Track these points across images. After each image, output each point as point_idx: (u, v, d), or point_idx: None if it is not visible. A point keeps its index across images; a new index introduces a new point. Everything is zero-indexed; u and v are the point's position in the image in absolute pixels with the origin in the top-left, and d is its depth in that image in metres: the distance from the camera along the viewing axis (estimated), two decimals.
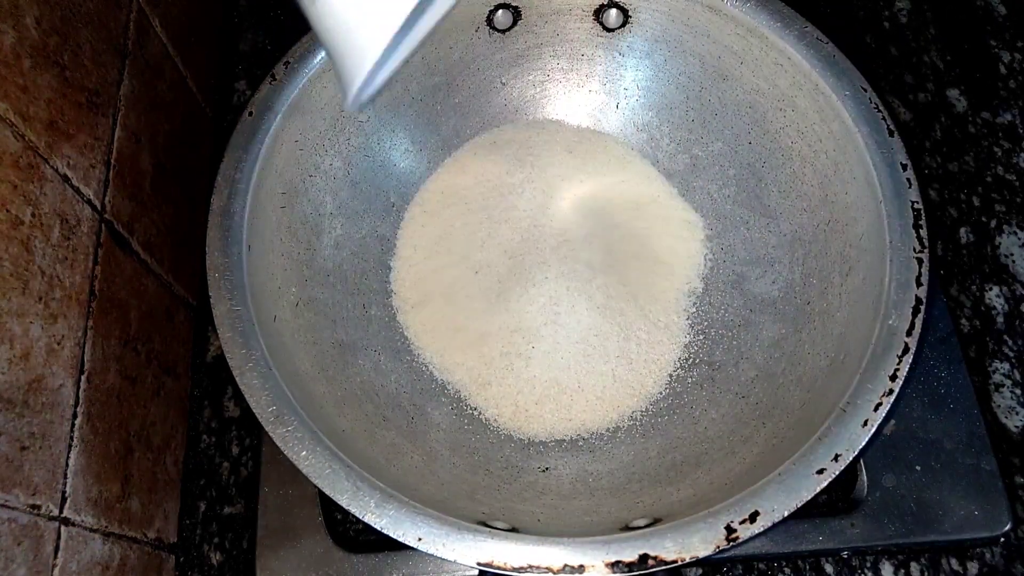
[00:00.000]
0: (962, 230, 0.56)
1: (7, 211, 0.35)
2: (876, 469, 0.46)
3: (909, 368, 0.38)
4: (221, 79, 0.62)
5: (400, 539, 0.35)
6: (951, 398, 0.48)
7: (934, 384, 0.49)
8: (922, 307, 0.39)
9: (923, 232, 0.41)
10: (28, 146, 0.37)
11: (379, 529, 0.36)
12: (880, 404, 0.37)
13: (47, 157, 0.38)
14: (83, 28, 0.42)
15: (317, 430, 0.38)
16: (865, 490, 0.46)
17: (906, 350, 0.38)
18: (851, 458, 0.36)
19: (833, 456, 0.36)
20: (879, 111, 0.44)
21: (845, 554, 0.46)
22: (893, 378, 0.38)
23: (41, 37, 0.38)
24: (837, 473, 0.36)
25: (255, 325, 0.40)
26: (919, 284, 0.40)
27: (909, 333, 0.39)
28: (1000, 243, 0.56)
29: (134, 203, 0.46)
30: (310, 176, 0.48)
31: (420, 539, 0.35)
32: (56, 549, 0.37)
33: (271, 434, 0.37)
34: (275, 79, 0.46)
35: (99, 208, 0.42)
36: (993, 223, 0.56)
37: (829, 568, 0.47)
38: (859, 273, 0.43)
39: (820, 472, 0.36)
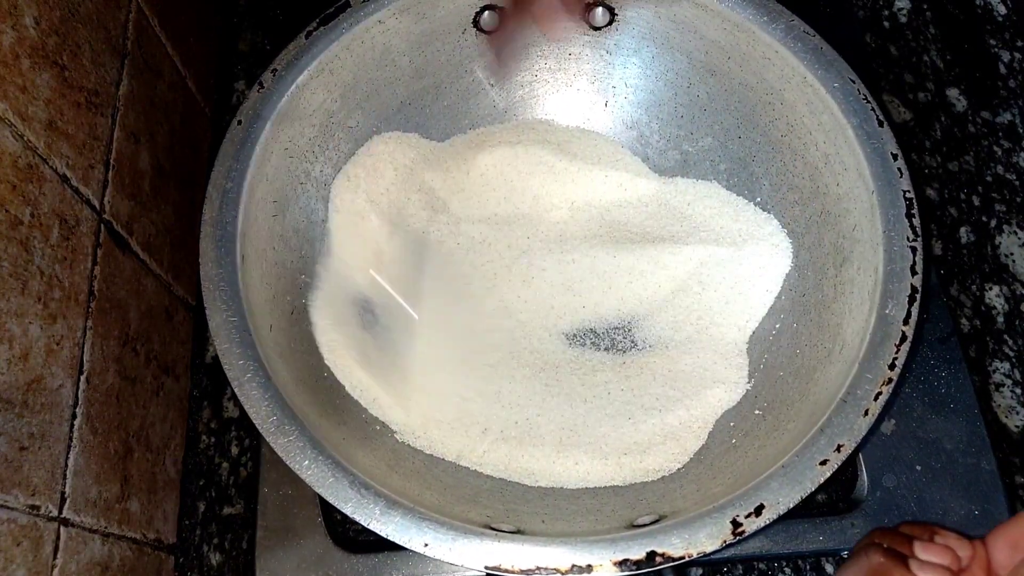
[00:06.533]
0: (962, 230, 0.56)
1: (6, 211, 0.35)
2: (876, 469, 0.46)
3: (906, 362, 0.38)
4: (220, 79, 0.62)
5: (407, 545, 0.35)
6: (951, 398, 0.48)
7: (934, 384, 0.49)
8: (918, 295, 0.39)
9: (916, 221, 0.41)
10: (27, 146, 0.36)
11: (385, 536, 0.36)
12: (880, 393, 0.37)
13: (46, 157, 0.38)
14: (82, 28, 0.42)
15: (318, 439, 0.38)
16: (865, 490, 0.46)
17: (904, 339, 0.38)
18: (853, 448, 0.36)
19: (835, 447, 0.36)
20: (868, 102, 0.44)
21: (845, 554, 0.46)
22: (892, 367, 0.38)
23: (40, 37, 0.38)
24: (840, 463, 0.36)
25: (252, 335, 0.40)
26: (914, 272, 0.40)
27: (906, 322, 0.39)
28: (1000, 243, 0.56)
29: (133, 203, 0.46)
30: (301, 184, 0.48)
31: (427, 544, 0.35)
32: (55, 550, 0.36)
33: (272, 445, 0.37)
34: (263, 87, 0.46)
35: (98, 208, 0.42)
36: (993, 223, 0.56)
37: (829, 568, 0.47)
38: (853, 263, 0.43)
39: (823, 463, 0.36)
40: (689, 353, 0.48)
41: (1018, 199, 0.57)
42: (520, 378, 0.48)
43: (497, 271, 0.51)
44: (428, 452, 0.45)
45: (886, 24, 0.64)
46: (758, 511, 0.35)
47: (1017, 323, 0.53)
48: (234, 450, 0.51)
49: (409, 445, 0.45)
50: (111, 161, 0.44)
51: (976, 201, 0.57)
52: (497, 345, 0.49)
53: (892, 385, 0.37)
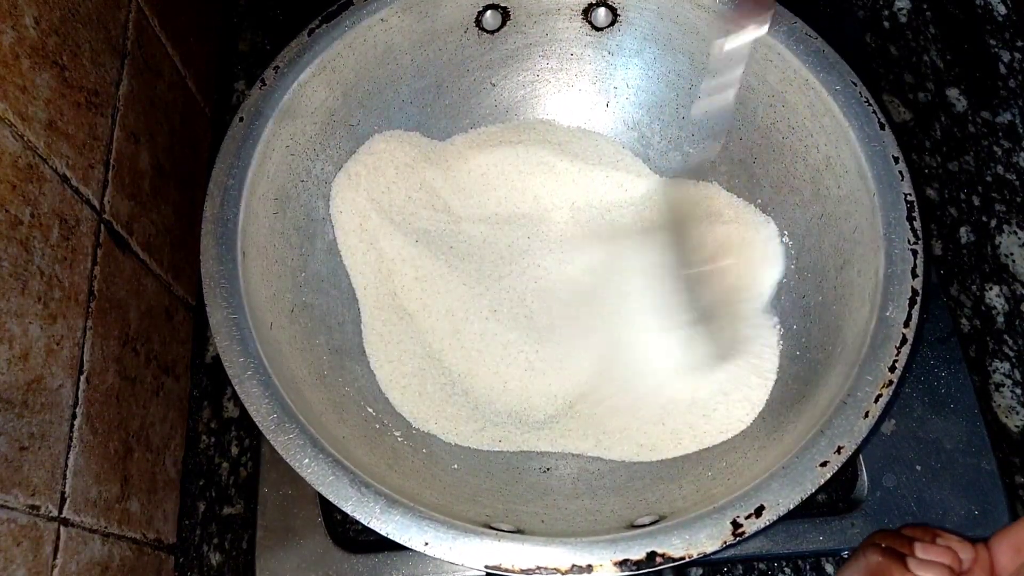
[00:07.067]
0: (962, 230, 0.56)
1: (6, 211, 0.35)
2: (876, 469, 0.46)
3: (907, 362, 0.38)
4: (220, 79, 0.62)
5: (407, 544, 0.35)
6: (951, 398, 0.48)
7: (934, 384, 0.49)
8: (919, 298, 0.39)
9: (917, 224, 0.41)
10: (27, 146, 0.36)
11: (385, 535, 0.36)
12: (880, 395, 0.37)
13: (46, 157, 0.38)
14: (82, 28, 0.42)
15: (319, 437, 0.38)
16: (865, 490, 0.46)
17: (904, 341, 0.38)
18: (853, 449, 0.36)
19: (835, 448, 0.36)
20: (870, 105, 0.44)
21: (845, 554, 0.46)
22: (892, 369, 0.38)
23: (40, 37, 0.38)
24: (840, 465, 0.36)
25: (252, 332, 0.40)
26: (915, 275, 0.40)
27: (907, 324, 0.39)
28: (1000, 243, 0.56)
29: (133, 203, 0.46)
30: (302, 181, 0.48)
31: (427, 543, 0.35)
32: (55, 550, 0.36)
33: (272, 442, 0.37)
34: (265, 84, 0.46)
35: (98, 208, 0.42)
36: (993, 223, 0.56)
37: (829, 568, 0.47)
38: (854, 266, 0.43)
39: (823, 465, 0.36)
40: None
41: (1018, 199, 0.57)
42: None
43: (497, 271, 0.51)
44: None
45: (886, 24, 0.64)
46: (758, 512, 0.35)
47: (1017, 323, 0.53)
48: (234, 450, 0.51)
49: (419, 432, 0.45)
50: (111, 161, 0.44)
51: (976, 201, 0.57)
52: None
53: (892, 387, 0.37)
